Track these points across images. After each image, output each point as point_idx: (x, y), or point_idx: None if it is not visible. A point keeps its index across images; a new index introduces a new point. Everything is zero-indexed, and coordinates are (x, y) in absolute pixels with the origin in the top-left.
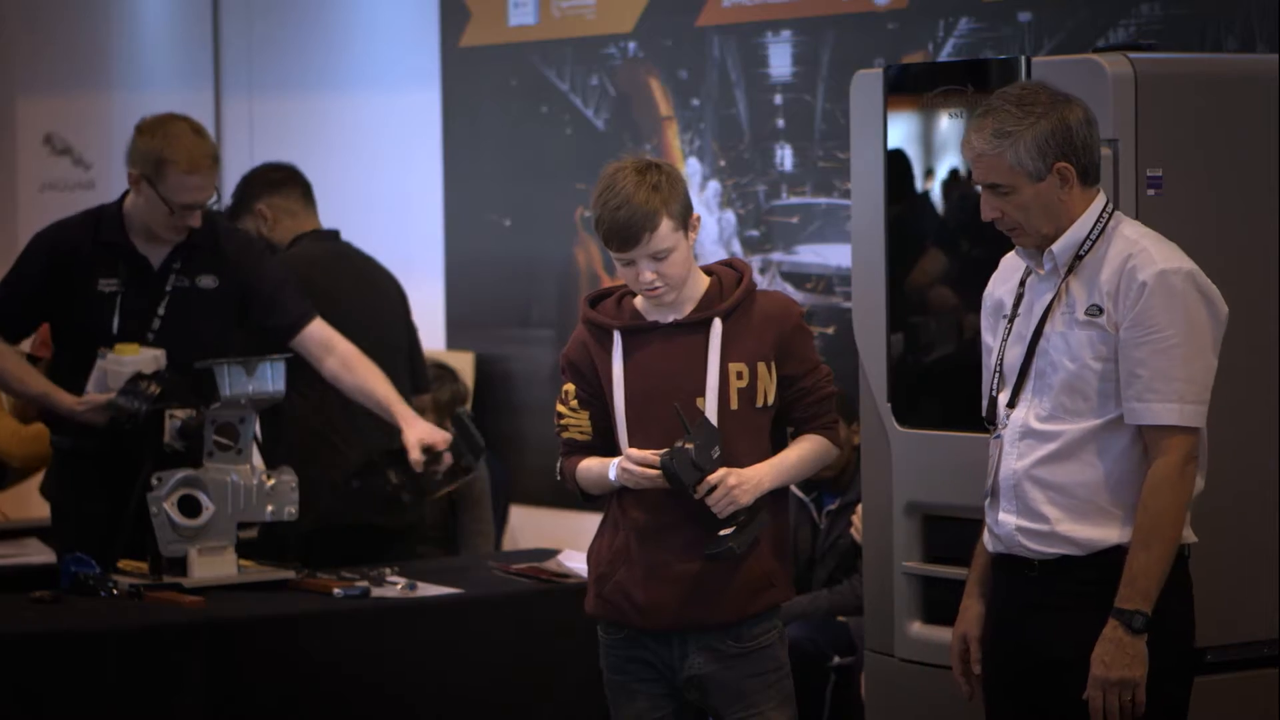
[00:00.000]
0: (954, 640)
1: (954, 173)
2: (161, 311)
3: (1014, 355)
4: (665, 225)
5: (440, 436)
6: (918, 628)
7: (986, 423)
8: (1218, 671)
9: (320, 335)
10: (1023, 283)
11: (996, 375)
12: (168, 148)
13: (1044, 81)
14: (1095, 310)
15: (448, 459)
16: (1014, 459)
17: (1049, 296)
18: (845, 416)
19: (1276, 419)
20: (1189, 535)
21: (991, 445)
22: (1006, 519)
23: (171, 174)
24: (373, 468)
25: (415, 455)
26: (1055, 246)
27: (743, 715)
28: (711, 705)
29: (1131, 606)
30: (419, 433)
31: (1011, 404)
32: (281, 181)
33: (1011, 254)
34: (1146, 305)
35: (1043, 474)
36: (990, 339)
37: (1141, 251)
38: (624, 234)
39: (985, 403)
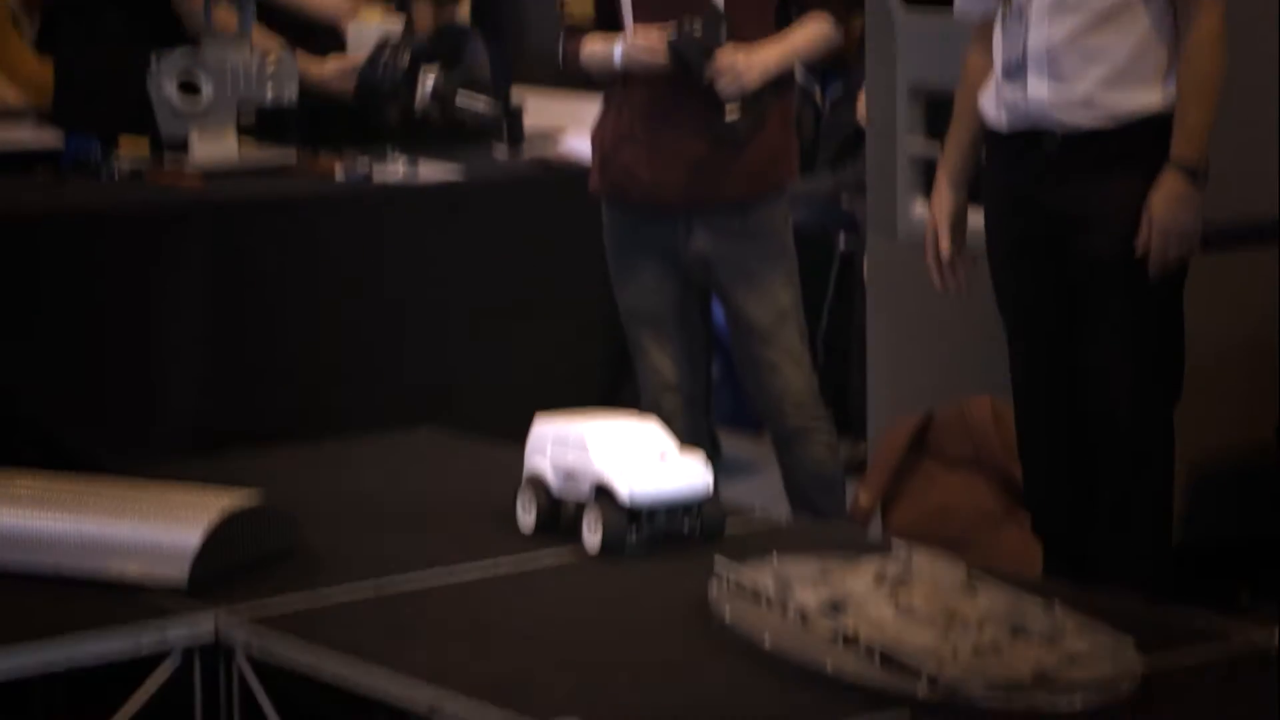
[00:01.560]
0: (928, 231)
1: None
2: None
3: None
4: None
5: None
6: (919, 208)
7: None
8: (1216, 250)
9: None
10: None
11: None
12: None
13: None
14: None
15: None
16: (1046, 28)
17: None
18: (848, 5)
19: None
20: None
21: (1005, 25)
22: (1038, 90)
23: None
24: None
25: None
26: None
27: (748, 292)
28: (718, 282)
29: (1192, 158)
30: None
31: None
32: None
33: None
34: None
35: (1084, 41)
36: None
37: None
38: None
39: None
